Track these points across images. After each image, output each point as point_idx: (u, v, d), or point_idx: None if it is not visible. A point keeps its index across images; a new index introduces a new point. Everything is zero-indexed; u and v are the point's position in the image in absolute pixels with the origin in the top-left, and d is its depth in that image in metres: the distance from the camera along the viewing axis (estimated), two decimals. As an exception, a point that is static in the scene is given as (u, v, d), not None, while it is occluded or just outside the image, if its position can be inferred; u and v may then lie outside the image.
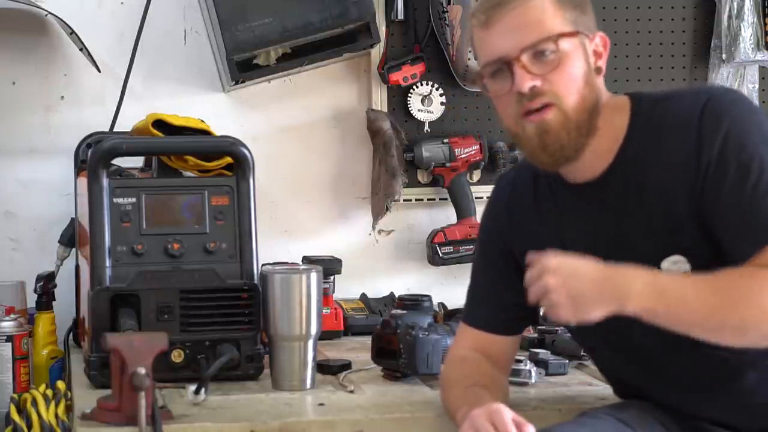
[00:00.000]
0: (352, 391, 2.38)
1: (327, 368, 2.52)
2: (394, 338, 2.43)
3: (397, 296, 3.03)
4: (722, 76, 3.27)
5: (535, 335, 2.78)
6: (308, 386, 2.38)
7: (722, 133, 1.89)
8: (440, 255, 3.15)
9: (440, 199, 3.23)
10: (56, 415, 2.27)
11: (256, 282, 2.44)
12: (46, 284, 2.79)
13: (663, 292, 1.84)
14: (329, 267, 2.90)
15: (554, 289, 1.86)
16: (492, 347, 2.18)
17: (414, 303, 2.58)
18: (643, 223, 1.96)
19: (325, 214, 3.22)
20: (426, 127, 3.20)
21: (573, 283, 1.86)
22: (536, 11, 1.94)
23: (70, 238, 2.84)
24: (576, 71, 1.95)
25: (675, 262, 1.94)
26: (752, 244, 1.87)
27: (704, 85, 1.95)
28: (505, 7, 1.95)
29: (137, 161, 2.75)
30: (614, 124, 1.99)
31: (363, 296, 3.14)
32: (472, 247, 3.15)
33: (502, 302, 2.16)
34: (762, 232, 1.86)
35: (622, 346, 2.05)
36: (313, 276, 2.39)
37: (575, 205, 2.04)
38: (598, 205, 2.01)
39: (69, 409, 2.31)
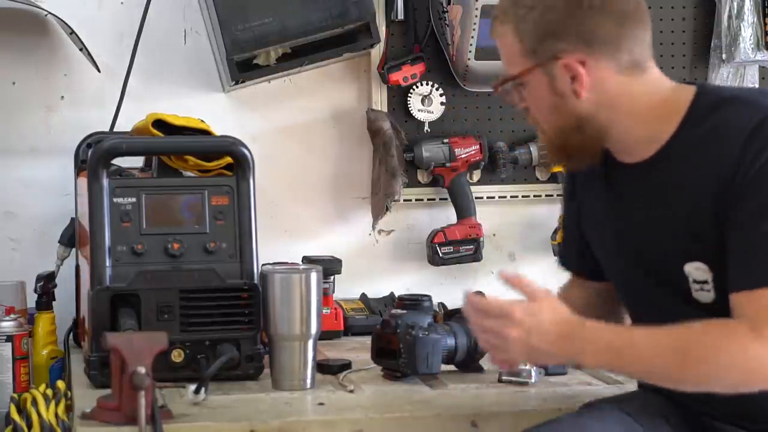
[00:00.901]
0: (352, 391, 2.38)
1: (327, 368, 2.52)
2: (394, 338, 2.43)
3: (397, 296, 3.03)
4: (722, 76, 3.27)
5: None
6: (308, 386, 2.38)
7: (762, 160, 1.86)
8: (440, 255, 3.15)
9: (440, 199, 3.23)
10: (56, 415, 2.27)
11: (256, 282, 2.44)
12: (46, 284, 2.79)
13: (619, 352, 1.89)
14: (329, 267, 2.90)
15: (514, 341, 1.93)
16: (593, 289, 2.24)
17: (414, 303, 2.58)
18: (670, 222, 1.96)
19: (325, 214, 3.22)
20: (426, 127, 3.20)
21: (533, 339, 1.93)
22: (502, 41, 2.03)
23: (70, 238, 2.84)
24: (542, 104, 2.00)
25: (697, 269, 1.94)
26: (743, 282, 1.86)
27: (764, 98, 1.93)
28: (492, 32, 2.06)
29: (137, 161, 2.75)
30: (662, 119, 1.97)
31: (363, 296, 3.14)
32: (472, 247, 3.15)
33: (582, 243, 2.23)
34: (755, 275, 1.85)
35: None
36: (313, 276, 2.39)
37: (622, 181, 2.05)
38: (635, 188, 2.02)
39: (69, 408, 2.31)
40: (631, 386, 2.29)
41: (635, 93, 1.98)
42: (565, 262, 2.34)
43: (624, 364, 1.91)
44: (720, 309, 1.90)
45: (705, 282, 1.94)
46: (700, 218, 1.92)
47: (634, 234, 2.02)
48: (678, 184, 1.95)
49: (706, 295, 1.95)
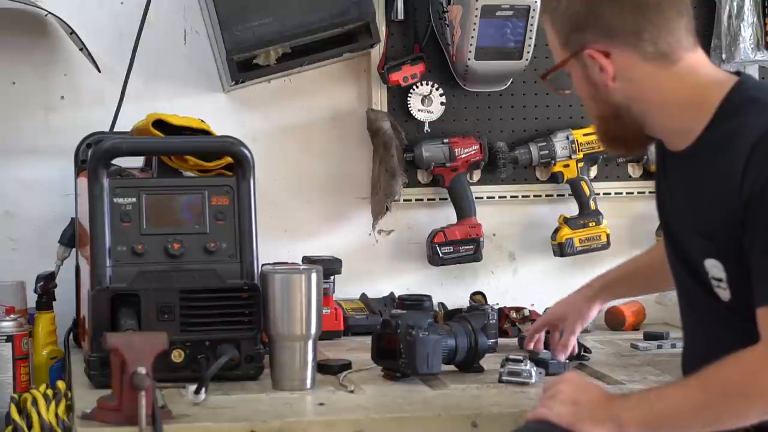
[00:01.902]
0: (352, 391, 2.38)
1: (327, 368, 2.52)
2: (394, 338, 2.43)
3: (397, 296, 3.04)
4: (722, 76, 3.27)
5: (535, 335, 2.79)
6: (308, 386, 2.39)
7: (763, 178, 1.85)
8: (440, 255, 3.15)
9: (440, 199, 3.23)
10: (56, 415, 2.27)
11: (256, 282, 2.44)
12: (46, 284, 2.79)
13: (651, 406, 1.89)
14: (329, 267, 2.90)
15: (561, 392, 1.96)
16: None
17: (414, 303, 2.58)
18: (694, 217, 1.98)
19: (325, 214, 3.22)
20: (426, 127, 3.20)
21: (578, 393, 1.95)
22: (548, 34, 2.06)
23: (70, 238, 2.84)
24: (582, 92, 2.05)
25: (713, 266, 1.95)
26: (761, 297, 1.86)
27: None
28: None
29: (137, 161, 2.75)
30: (694, 112, 1.97)
31: (363, 296, 3.14)
32: (472, 247, 3.15)
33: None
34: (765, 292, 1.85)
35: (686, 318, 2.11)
36: (313, 276, 2.39)
37: (673, 167, 2.07)
38: (680, 176, 2.04)
39: (69, 408, 2.31)
40: (633, 386, 2.28)
41: (664, 84, 1.98)
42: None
43: (661, 415, 1.88)
44: (738, 309, 1.91)
45: (721, 280, 1.95)
46: (713, 219, 1.92)
47: (673, 222, 2.05)
48: (700, 181, 1.96)
49: (723, 293, 1.96)
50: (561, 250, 3.20)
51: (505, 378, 2.43)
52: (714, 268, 1.95)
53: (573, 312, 2.54)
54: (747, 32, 3.23)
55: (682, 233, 2.01)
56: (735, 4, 3.23)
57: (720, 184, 1.90)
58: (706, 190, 1.94)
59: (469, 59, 3.06)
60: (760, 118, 1.89)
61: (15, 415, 2.32)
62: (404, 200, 3.18)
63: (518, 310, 3.00)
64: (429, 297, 2.92)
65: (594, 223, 3.21)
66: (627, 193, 3.30)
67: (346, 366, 2.55)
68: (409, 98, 3.17)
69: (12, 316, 2.70)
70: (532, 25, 3.04)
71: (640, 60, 1.97)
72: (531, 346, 2.56)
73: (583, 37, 1.98)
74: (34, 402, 2.30)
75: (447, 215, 3.20)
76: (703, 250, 1.96)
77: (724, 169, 1.90)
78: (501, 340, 2.83)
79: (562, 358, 2.51)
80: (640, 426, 1.87)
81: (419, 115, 3.18)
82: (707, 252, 1.95)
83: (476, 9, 2.99)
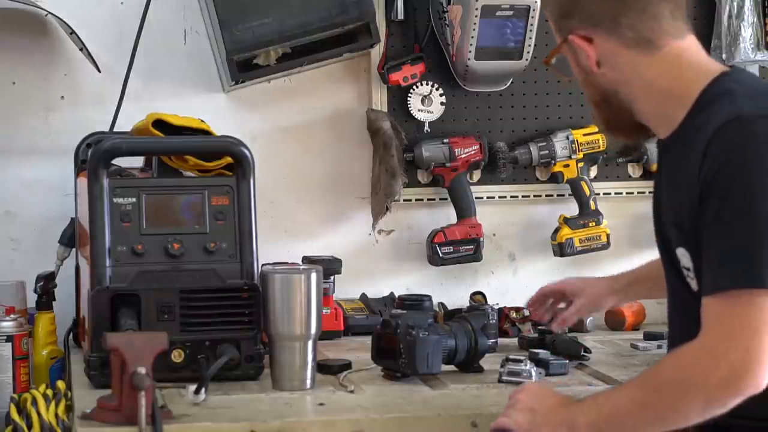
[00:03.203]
0: (352, 391, 2.38)
1: (327, 368, 2.52)
2: (394, 338, 2.43)
3: (397, 296, 3.04)
4: (722, 76, 3.27)
5: (535, 335, 2.79)
6: (308, 386, 2.39)
7: (721, 161, 1.85)
8: (440, 255, 3.15)
9: (440, 199, 3.23)
10: (56, 415, 2.27)
11: (256, 282, 2.44)
12: (46, 284, 2.79)
13: (600, 408, 1.91)
14: (329, 267, 2.90)
15: (519, 401, 2.00)
16: None
17: (414, 303, 2.58)
18: (668, 206, 2.00)
19: (325, 214, 3.22)
20: (426, 127, 3.20)
21: (535, 401, 1.99)
22: (548, 19, 2.12)
23: (70, 238, 2.84)
24: (577, 77, 2.08)
25: (683, 255, 1.96)
26: (714, 282, 1.86)
27: (756, 97, 1.91)
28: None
29: (137, 161, 2.75)
30: (673, 101, 1.98)
31: (363, 296, 3.14)
32: (471, 246, 3.15)
33: None
34: (725, 276, 1.84)
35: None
36: (313, 276, 2.39)
37: (661, 155, 2.09)
38: (663, 169, 2.07)
39: (69, 409, 2.31)
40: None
41: (647, 71, 1.99)
42: None
43: (608, 414, 1.91)
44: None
45: (689, 269, 1.96)
46: (681, 208, 1.94)
47: (662, 214, 2.05)
48: (674, 172, 1.98)
49: (692, 282, 1.97)
50: (561, 250, 3.20)
51: (505, 378, 2.43)
52: (684, 257, 1.96)
53: (590, 293, 2.57)
54: (747, 32, 3.23)
55: (666, 224, 2.03)
56: (735, 4, 3.23)
57: (686, 174, 1.91)
58: (678, 180, 1.95)
59: (469, 59, 3.06)
60: (725, 109, 1.89)
61: (15, 415, 2.32)
62: (404, 200, 3.18)
63: (518, 310, 3.00)
64: (429, 297, 2.91)
65: (594, 223, 3.21)
66: (627, 193, 3.30)
67: (346, 366, 2.55)
68: (409, 98, 3.17)
69: (12, 316, 2.70)
70: (532, 25, 3.04)
71: (621, 46, 1.99)
72: (535, 310, 2.59)
73: (570, 23, 2.02)
74: (34, 402, 2.30)
75: (447, 215, 3.20)
76: (676, 239, 1.97)
77: (689, 160, 1.91)
78: (501, 340, 2.83)
79: (557, 329, 2.53)
80: (591, 428, 1.89)
81: (419, 115, 3.18)
82: (678, 241, 1.97)
83: (476, 9, 2.99)
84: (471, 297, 3.12)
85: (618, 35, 1.98)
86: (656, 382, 1.88)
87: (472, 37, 3.03)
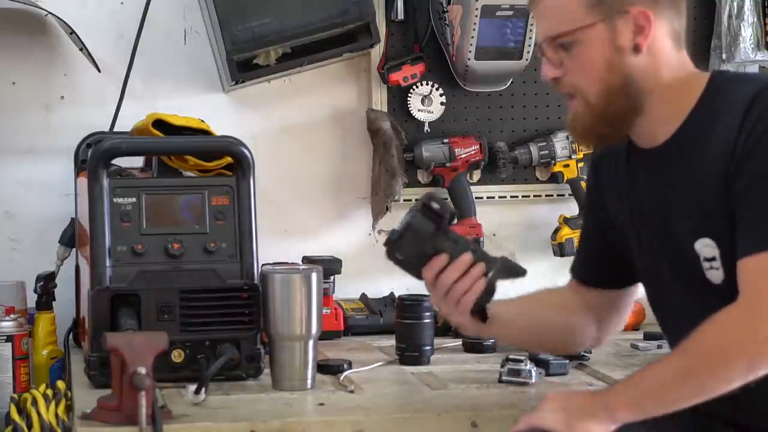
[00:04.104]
0: (352, 391, 2.38)
1: (327, 368, 2.52)
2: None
3: (397, 296, 3.03)
4: (722, 76, 3.27)
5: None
6: (308, 386, 2.38)
7: (762, 122, 1.88)
8: (440, 255, 3.14)
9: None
10: (56, 415, 2.27)
11: (256, 282, 2.44)
12: (46, 284, 2.79)
13: (636, 385, 1.89)
14: (329, 267, 2.90)
15: (550, 399, 1.95)
16: (586, 297, 2.25)
17: (414, 303, 2.58)
18: (682, 201, 1.98)
19: (325, 214, 3.22)
20: (426, 127, 3.20)
21: (565, 402, 1.94)
22: (556, 4, 1.99)
23: (70, 238, 2.84)
24: (595, 61, 1.98)
25: (705, 245, 1.95)
26: (747, 247, 1.87)
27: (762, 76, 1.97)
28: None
29: (137, 161, 2.75)
30: (682, 98, 1.99)
31: (363, 296, 3.14)
32: (471, 247, 3.15)
33: (592, 252, 2.26)
34: (758, 239, 1.85)
35: (674, 313, 2.09)
36: (313, 276, 2.39)
37: (639, 167, 2.07)
38: (650, 173, 2.04)
39: (69, 409, 2.31)
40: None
41: (674, 64, 2.00)
42: (572, 268, 2.34)
43: (647, 389, 1.88)
44: (730, 290, 1.90)
45: (714, 259, 1.95)
46: (711, 195, 1.93)
47: (652, 215, 2.04)
48: (689, 165, 1.97)
49: (716, 273, 1.95)
50: (561, 250, 3.20)
51: (505, 378, 2.43)
52: (706, 248, 1.95)
53: None
54: (747, 32, 3.23)
55: (662, 222, 2.01)
56: (735, 4, 3.23)
57: (715, 158, 1.91)
58: (698, 170, 1.95)
59: (469, 59, 3.06)
60: (743, 88, 1.93)
61: (15, 415, 2.31)
62: (404, 200, 3.18)
63: (518, 310, 2.99)
64: (429, 297, 2.91)
65: (594, 223, 3.20)
66: (627, 193, 3.29)
67: (346, 366, 2.54)
68: (409, 98, 3.17)
69: (12, 316, 2.70)
70: (532, 24, 3.03)
71: (669, 33, 1.99)
72: None
73: (614, 4, 1.96)
74: (34, 402, 2.30)
75: (447, 215, 3.20)
76: (696, 230, 1.96)
77: (718, 144, 1.91)
78: (501, 340, 2.83)
79: None
80: (630, 407, 1.87)
81: (419, 115, 3.18)
82: (699, 231, 1.95)
83: (476, 9, 2.99)
84: (471, 297, 3.12)
85: (672, 22, 1.99)
86: (698, 349, 1.85)
87: (472, 37, 3.03)
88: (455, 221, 2.24)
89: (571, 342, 2.29)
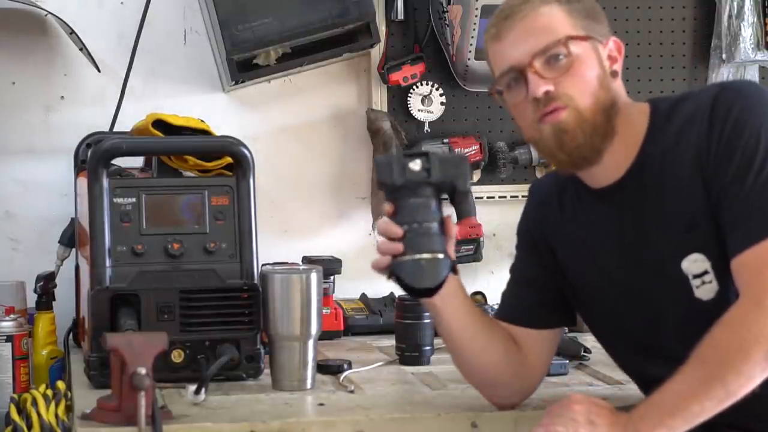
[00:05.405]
0: (352, 391, 2.38)
1: (327, 368, 2.52)
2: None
3: (397, 296, 3.03)
4: (722, 76, 3.27)
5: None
6: (308, 386, 2.38)
7: (731, 120, 1.90)
8: (440, 255, 3.14)
9: (440, 199, 3.22)
10: (56, 415, 2.27)
11: (256, 282, 2.44)
12: (46, 284, 2.79)
13: (658, 406, 1.85)
14: (329, 267, 2.90)
15: (576, 411, 1.89)
16: (519, 339, 2.20)
17: (414, 303, 2.58)
18: (661, 223, 1.98)
19: (325, 214, 3.22)
20: (426, 127, 3.20)
21: (593, 415, 1.88)
22: (545, 18, 1.98)
23: (70, 238, 2.84)
24: (589, 74, 1.98)
25: (694, 261, 1.95)
26: (740, 242, 1.87)
27: (719, 82, 2.00)
28: (515, 17, 1.99)
29: (137, 161, 2.75)
30: (634, 128, 2.01)
31: (363, 296, 3.14)
32: (472, 247, 3.15)
33: (525, 294, 2.22)
34: (752, 229, 1.86)
35: (647, 347, 2.07)
36: (313, 276, 2.39)
37: (598, 209, 2.07)
38: (618, 208, 2.03)
39: (69, 409, 2.31)
40: (632, 387, 2.28)
41: (624, 93, 2.05)
42: (499, 310, 2.28)
43: (671, 405, 1.84)
44: (725, 303, 1.89)
45: (705, 273, 1.94)
46: (692, 207, 1.93)
47: (628, 249, 2.02)
48: (662, 185, 1.97)
49: (708, 288, 1.95)
50: (561, 250, 3.19)
51: (505, 378, 2.43)
52: (694, 264, 1.95)
53: None
54: (747, 32, 3.23)
55: (643, 251, 2.00)
56: (735, 4, 3.23)
57: (689, 170, 1.93)
58: (673, 182, 1.96)
59: (469, 59, 3.06)
60: (700, 97, 1.97)
61: (15, 416, 2.31)
62: (404, 200, 3.18)
63: (518, 310, 2.99)
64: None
65: (594, 223, 3.20)
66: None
67: (346, 366, 2.54)
68: (409, 98, 3.17)
69: (12, 316, 2.70)
70: (532, 25, 3.03)
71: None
72: None
73: (603, 29, 2.02)
74: (34, 402, 2.30)
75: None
76: (681, 248, 1.95)
77: (690, 154, 1.93)
78: (501, 340, 2.82)
79: None
80: (655, 430, 1.83)
81: (419, 115, 3.18)
82: (685, 249, 1.95)
83: (476, 9, 3.00)
84: (471, 297, 3.12)
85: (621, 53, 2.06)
86: (714, 352, 1.83)
87: (472, 37, 3.03)
88: (446, 197, 2.26)
89: (494, 393, 2.20)
